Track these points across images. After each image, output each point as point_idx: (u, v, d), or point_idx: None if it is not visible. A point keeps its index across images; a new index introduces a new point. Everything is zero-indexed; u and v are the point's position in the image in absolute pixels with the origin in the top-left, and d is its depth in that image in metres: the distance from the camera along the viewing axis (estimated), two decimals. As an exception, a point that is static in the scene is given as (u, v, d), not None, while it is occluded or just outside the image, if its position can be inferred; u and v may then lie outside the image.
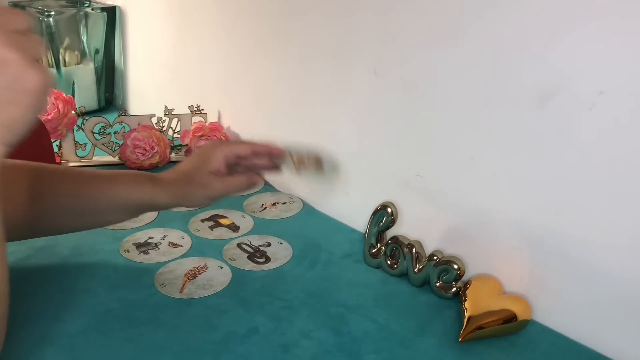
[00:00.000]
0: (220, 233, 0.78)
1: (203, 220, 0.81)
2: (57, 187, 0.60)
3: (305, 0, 0.80)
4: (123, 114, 0.97)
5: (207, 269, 0.70)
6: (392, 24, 0.69)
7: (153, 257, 0.71)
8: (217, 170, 0.63)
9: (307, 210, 0.87)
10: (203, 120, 1.02)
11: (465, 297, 0.63)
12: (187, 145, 1.01)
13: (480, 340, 0.60)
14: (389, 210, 0.72)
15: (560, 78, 0.56)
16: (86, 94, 1.26)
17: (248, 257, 0.73)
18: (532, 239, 0.62)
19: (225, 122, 1.05)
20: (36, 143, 0.91)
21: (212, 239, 0.77)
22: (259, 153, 0.65)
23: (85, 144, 0.98)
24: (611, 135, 0.54)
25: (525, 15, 0.57)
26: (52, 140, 0.93)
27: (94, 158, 0.98)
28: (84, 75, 1.25)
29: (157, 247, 0.74)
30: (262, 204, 0.87)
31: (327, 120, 0.82)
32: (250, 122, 0.99)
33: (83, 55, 1.24)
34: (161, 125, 1.00)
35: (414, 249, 0.68)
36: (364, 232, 0.76)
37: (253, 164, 0.66)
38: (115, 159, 0.99)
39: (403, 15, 0.68)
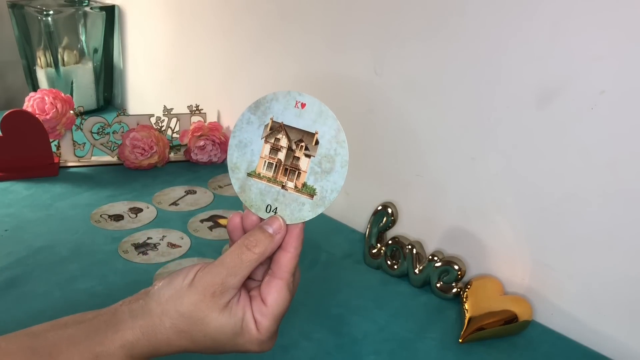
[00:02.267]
0: (219, 233, 0.78)
1: (202, 221, 0.81)
2: None
3: (305, 0, 0.79)
4: (122, 114, 0.97)
5: (206, 269, 0.69)
6: (392, 23, 0.69)
7: (152, 257, 0.71)
8: None
9: (307, 210, 0.87)
10: (202, 120, 1.02)
11: (466, 297, 0.62)
12: (186, 145, 1.01)
13: (481, 341, 0.59)
14: (389, 210, 0.71)
15: (561, 78, 0.55)
16: (85, 93, 1.26)
17: (248, 258, 0.72)
18: (533, 239, 0.62)
19: (225, 122, 1.05)
20: (34, 143, 0.91)
21: (211, 240, 0.77)
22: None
23: (84, 143, 0.98)
24: (612, 134, 0.53)
25: (526, 15, 0.56)
26: (51, 140, 0.93)
27: (93, 158, 0.98)
28: (83, 75, 1.25)
29: (156, 248, 0.73)
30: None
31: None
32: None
33: (82, 54, 1.24)
34: (160, 125, 0.99)
35: (414, 250, 0.68)
36: (364, 232, 0.76)
37: None
38: (114, 159, 0.98)
39: (403, 15, 0.67)
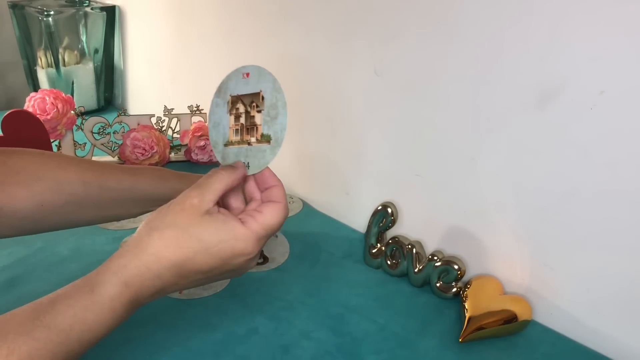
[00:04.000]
0: (219, 233, 0.78)
1: (203, 221, 0.81)
2: (79, 174, 0.55)
3: (305, 0, 0.80)
4: (122, 114, 0.97)
5: (206, 269, 0.69)
6: (392, 23, 0.69)
7: (152, 257, 0.71)
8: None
9: (307, 210, 0.87)
10: (203, 120, 1.02)
11: (466, 297, 0.63)
12: (186, 145, 1.01)
13: (481, 340, 0.59)
14: (389, 210, 0.71)
15: (560, 78, 0.56)
16: (85, 93, 1.26)
17: (248, 258, 0.73)
18: (532, 239, 0.62)
19: (225, 122, 1.05)
20: (35, 143, 0.91)
21: (211, 239, 0.77)
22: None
23: (85, 143, 0.98)
24: (612, 135, 0.53)
25: (526, 15, 0.56)
26: (52, 140, 0.93)
27: (93, 158, 0.98)
28: (84, 75, 1.25)
29: (156, 248, 0.73)
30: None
31: (327, 120, 0.82)
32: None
33: (82, 54, 1.24)
34: (160, 125, 1.00)
35: (414, 249, 0.68)
36: (364, 232, 0.76)
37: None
38: (115, 159, 0.98)
39: (403, 15, 0.67)
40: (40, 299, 0.41)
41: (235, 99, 0.47)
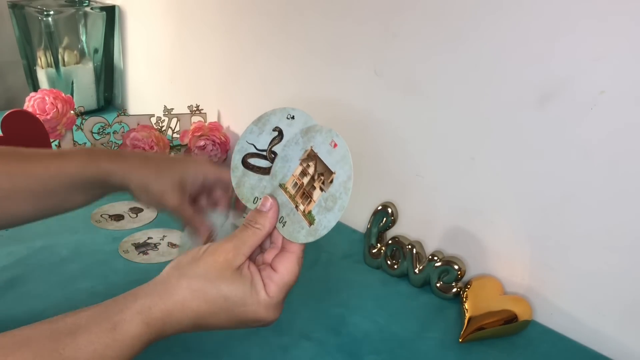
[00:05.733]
0: (219, 233, 0.78)
1: (202, 221, 0.81)
2: (1, 166, 0.52)
3: (303, 0, 0.79)
4: (122, 114, 0.97)
5: (206, 269, 0.69)
6: (392, 23, 0.69)
7: (152, 257, 0.71)
8: (185, 188, 0.56)
9: (307, 210, 0.87)
10: (202, 120, 1.02)
11: (466, 297, 0.63)
12: (186, 145, 1.01)
13: (481, 340, 0.59)
14: (389, 210, 0.71)
15: (560, 78, 0.56)
16: (85, 93, 1.26)
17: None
18: (533, 239, 0.62)
19: (225, 122, 1.05)
20: (35, 143, 0.91)
21: (211, 239, 0.77)
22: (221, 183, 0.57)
23: (85, 143, 0.98)
24: (612, 135, 0.53)
25: (526, 16, 0.56)
26: (51, 140, 0.93)
27: (93, 158, 0.98)
28: (83, 75, 1.25)
29: (156, 248, 0.73)
30: (262, 204, 0.87)
31: (327, 120, 0.81)
32: (249, 122, 0.99)
33: (82, 54, 1.24)
34: (160, 125, 0.99)
35: (414, 250, 0.68)
36: (364, 232, 0.76)
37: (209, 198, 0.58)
38: (115, 159, 0.98)
39: (403, 15, 0.67)
40: (57, 322, 0.40)
41: (313, 156, 0.44)
